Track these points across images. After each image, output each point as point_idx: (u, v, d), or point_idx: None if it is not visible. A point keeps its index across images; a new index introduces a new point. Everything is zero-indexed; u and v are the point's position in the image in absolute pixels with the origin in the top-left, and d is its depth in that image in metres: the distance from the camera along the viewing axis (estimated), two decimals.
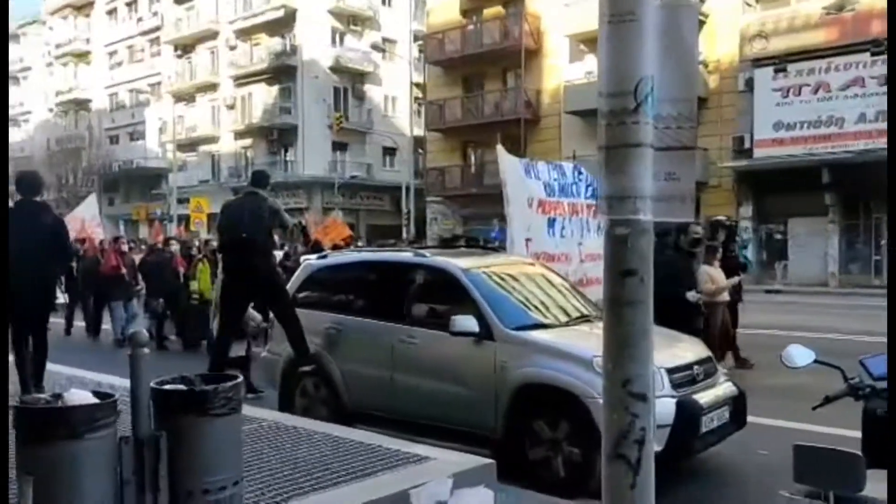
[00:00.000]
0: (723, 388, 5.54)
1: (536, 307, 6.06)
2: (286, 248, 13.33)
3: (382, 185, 40.20)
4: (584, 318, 6.00)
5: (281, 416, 5.46)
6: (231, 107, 41.53)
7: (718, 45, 26.14)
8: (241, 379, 2.80)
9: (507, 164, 8.36)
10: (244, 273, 6.41)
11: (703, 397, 5.21)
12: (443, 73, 34.29)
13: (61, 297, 14.02)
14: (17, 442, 2.45)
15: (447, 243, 10.52)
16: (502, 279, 6.21)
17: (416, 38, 39.73)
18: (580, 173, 8.94)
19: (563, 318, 5.98)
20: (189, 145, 43.20)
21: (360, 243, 19.03)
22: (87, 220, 18.42)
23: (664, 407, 4.78)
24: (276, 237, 7.11)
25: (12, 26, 55.55)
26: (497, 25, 31.63)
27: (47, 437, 2.35)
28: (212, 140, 42.89)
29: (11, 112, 56.61)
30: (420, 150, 38.48)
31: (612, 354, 2.04)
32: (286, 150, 40.29)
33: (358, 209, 39.30)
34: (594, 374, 4.66)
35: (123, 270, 12.96)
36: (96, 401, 2.46)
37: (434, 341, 5.89)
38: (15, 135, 56.91)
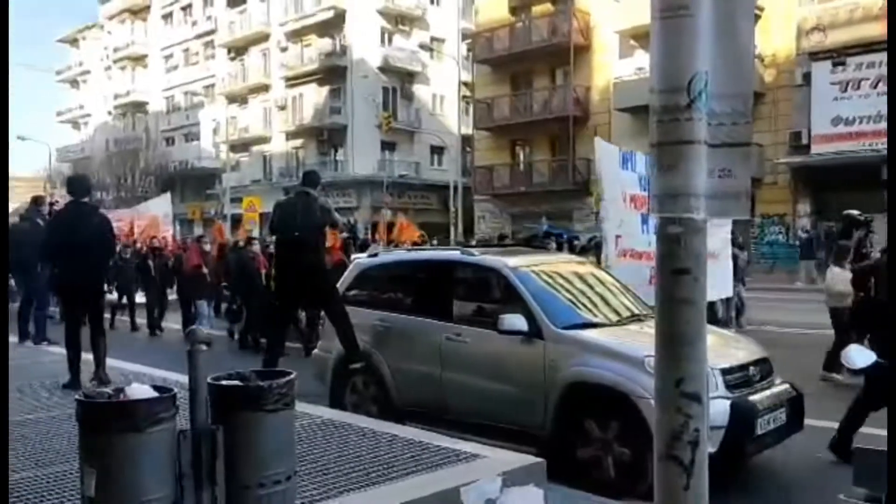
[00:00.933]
0: (779, 389, 5.42)
1: (586, 306, 6.02)
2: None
3: (430, 183, 40.30)
4: (635, 318, 5.93)
5: (333, 413, 5.53)
6: (282, 108, 42.15)
7: (774, 38, 25.50)
8: (294, 375, 2.84)
9: (605, 154, 7.98)
10: (296, 271, 6.51)
11: (759, 399, 5.11)
12: (491, 71, 34.23)
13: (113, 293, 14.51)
14: (80, 434, 2.54)
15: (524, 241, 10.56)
16: (551, 277, 6.17)
17: (464, 37, 39.73)
18: None
19: (614, 317, 5.92)
20: (242, 146, 44.00)
21: (435, 241, 19.24)
22: (160, 217, 18.81)
23: (718, 408, 4.71)
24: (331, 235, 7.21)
25: (71, 30, 57.43)
26: (546, 22, 31.42)
27: (109, 430, 2.43)
28: (264, 140, 43.61)
29: (73, 114, 58.57)
30: (468, 149, 38.49)
31: (665, 354, 2.02)
32: (336, 150, 40.73)
33: (406, 208, 39.39)
34: (646, 373, 4.60)
35: (205, 269, 13.17)
36: (156, 395, 2.53)
37: (482, 339, 5.90)
38: (75, 136, 58.79)
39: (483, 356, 5.89)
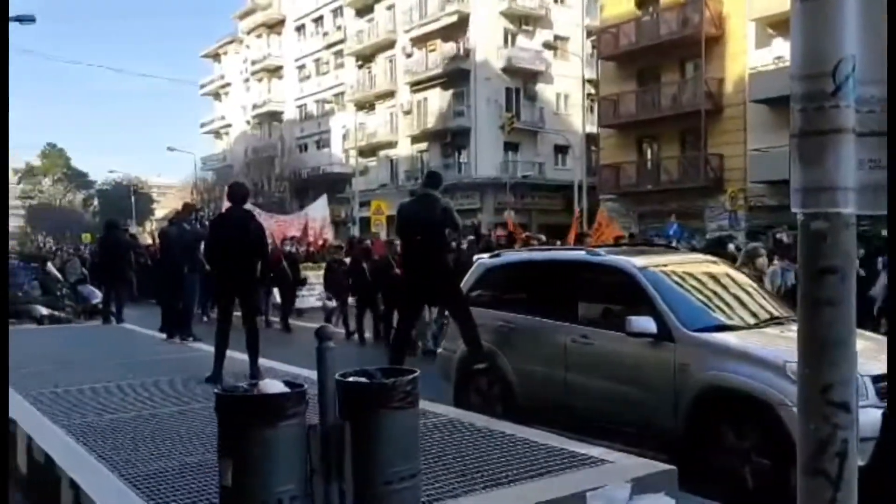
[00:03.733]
0: None
1: (720, 308, 5.75)
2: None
3: (554, 183, 39.88)
4: (774, 320, 5.61)
5: (457, 412, 5.56)
6: (408, 112, 43.03)
7: None
8: (418, 373, 2.87)
9: None
10: (420, 272, 6.60)
11: None
12: (616, 67, 33.46)
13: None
14: (219, 426, 2.67)
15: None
16: (682, 278, 5.94)
17: (588, 34, 39.07)
18: None
19: (751, 320, 5.63)
20: (369, 151, 45.28)
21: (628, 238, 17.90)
22: (320, 221, 19.30)
23: (869, 417, 4.34)
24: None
25: (213, 47, 61.09)
26: (675, 14, 30.33)
27: (244, 423, 2.54)
28: (390, 145, 44.68)
29: (215, 125, 62.34)
30: (593, 148, 37.78)
31: (810, 359, 1.88)
32: (459, 152, 41.12)
33: (529, 209, 39.26)
34: (786, 380, 4.33)
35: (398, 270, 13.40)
36: (286, 390, 2.63)
37: (609, 342, 5.76)
38: (217, 146, 62.55)
39: (609, 358, 5.75)
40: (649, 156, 33.01)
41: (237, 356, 7.43)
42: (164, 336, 10.12)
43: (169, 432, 4.94)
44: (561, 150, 41.02)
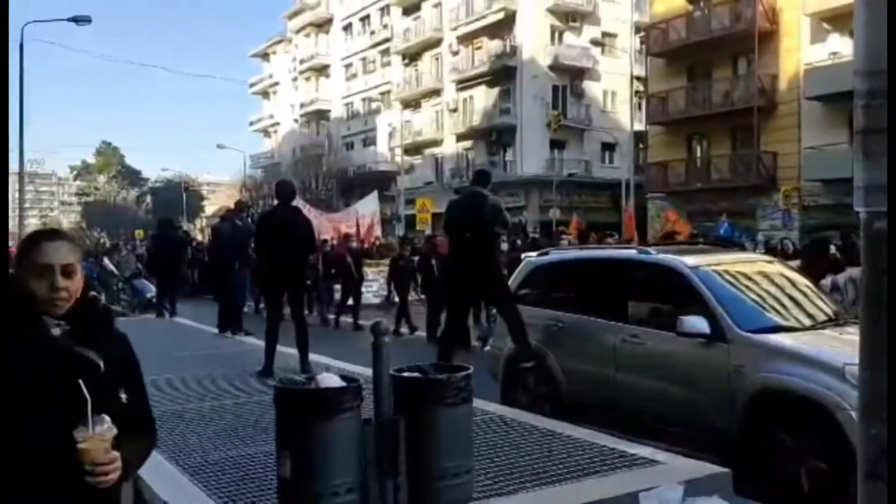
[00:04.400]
0: None
1: (775, 308, 5.64)
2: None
3: (600, 181, 39.51)
4: (832, 322, 5.48)
5: (506, 410, 5.57)
6: (453, 110, 43.08)
7: None
8: (471, 369, 2.90)
9: None
10: (468, 270, 6.63)
11: None
12: (666, 63, 32.97)
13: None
14: (276, 419, 2.74)
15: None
16: (735, 278, 5.85)
17: (637, 30, 38.59)
18: None
19: (807, 321, 5.51)
20: (415, 149, 45.46)
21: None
22: (369, 218, 19.21)
23: None
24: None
25: (262, 46, 62.05)
26: (727, 9, 29.74)
27: (302, 416, 2.60)
28: (435, 143, 44.80)
29: (263, 123, 63.33)
30: (640, 146, 37.31)
31: (871, 361, 1.84)
32: (505, 150, 41.02)
33: (575, 207, 38.93)
34: (845, 382, 4.24)
35: None
36: (343, 384, 2.68)
37: (660, 342, 5.71)
38: (266, 144, 63.54)
39: (660, 359, 5.69)
40: (699, 153, 32.45)
41: (287, 351, 7.57)
42: (216, 331, 10.35)
43: (224, 424, 5.06)
44: (608, 147, 40.60)
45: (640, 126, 36.48)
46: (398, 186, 42.56)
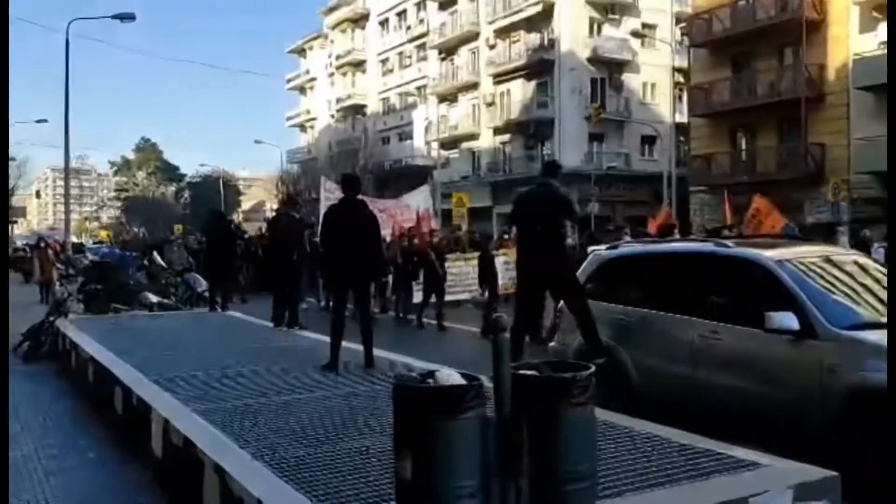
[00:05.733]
0: None
1: (867, 303, 5.39)
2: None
3: (640, 174, 38.98)
4: None
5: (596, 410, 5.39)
6: (490, 104, 42.83)
7: None
8: (594, 368, 2.75)
9: None
10: (537, 264, 6.47)
11: None
12: (708, 55, 32.37)
13: None
14: (395, 418, 2.62)
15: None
16: (821, 271, 5.61)
17: (677, 21, 37.95)
18: None
19: None
20: (451, 143, 45.31)
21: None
22: (420, 212, 18.54)
23: None
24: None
25: (298, 42, 62.32)
26: None
27: (426, 414, 2.47)
28: (472, 137, 44.59)
29: (300, 119, 63.64)
30: (681, 138, 36.69)
31: None
32: (542, 144, 40.65)
33: (614, 200, 38.50)
34: None
35: None
36: (465, 382, 2.55)
37: (741, 338, 5.50)
38: (302, 139, 63.88)
39: (742, 356, 5.49)
40: (743, 146, 31.83)
41: (350, 346, 7.48)
42: (271, 324, 10.32)
43: (302, 419, 4.97)
44: (648, 140, 40.04)
45: (680, 118, 35.91)
46: (434, 180, 42.44)
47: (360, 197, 7.25)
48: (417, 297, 14.84)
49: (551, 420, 2.58)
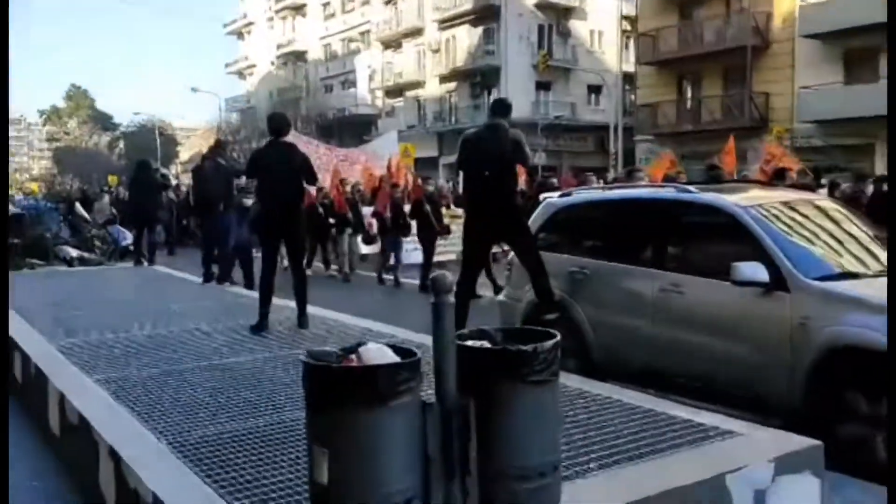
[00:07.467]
0: None
1: (838, 251, 5.02)
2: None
3: (587, 124, 38.67)
4: None
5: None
6: (436, 51, 41.69)
7: None
8: (559, 337, 2.22)
9: None
10: (486, 212, 5.91)
11: None
12: (656, 1, 31.85)
13: None
14: (308, 407, 2.05)
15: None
16: (790, 218, 5.20)
17: None
18: None
19: (875, 266, 4.89)
20: (396, 91, 44.15)
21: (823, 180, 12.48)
22: (393, 158, 17.12)
23: None
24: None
25: None
26: None
27: (348, 402, 1.91)
28: (417, 85, 43.47)
29: (239, 66, 61.24)
30: (627, 87, 36.34)
31: None
32: (489, 93, 39.83)
33: (560, 151, 38.16)
34: None
35: None
36: (397, 359, 1.99)
37: (705, 291, 5.08)
38: (241, 87, 61.56)
39: (706, 311, 5.08)
40: (690, 95, 31.64)
41: (281, 303, 6.89)
42: (200, 280, 9.60)
43: (219, 389, 4.38)
44: (594, 89, 39.65)
45: (627, 67, 35.49)
46: (379, 130, 41.36)
47: (288, 140, 6.54)
48: (410, 257, 13.21)
49: (506, 403, 2.04)
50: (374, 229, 13.48)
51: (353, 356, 2.03)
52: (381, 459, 1.91)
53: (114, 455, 3.38)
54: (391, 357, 2.00)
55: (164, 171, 21.72)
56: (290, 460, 3.16)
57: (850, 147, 24.42)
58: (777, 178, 8.58)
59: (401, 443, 1.94)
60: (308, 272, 13.30)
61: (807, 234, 5.16)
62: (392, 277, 12.86)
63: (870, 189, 9.59)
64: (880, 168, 22.20)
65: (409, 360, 1.99)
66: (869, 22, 23.21)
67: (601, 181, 12.93)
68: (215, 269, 9.63)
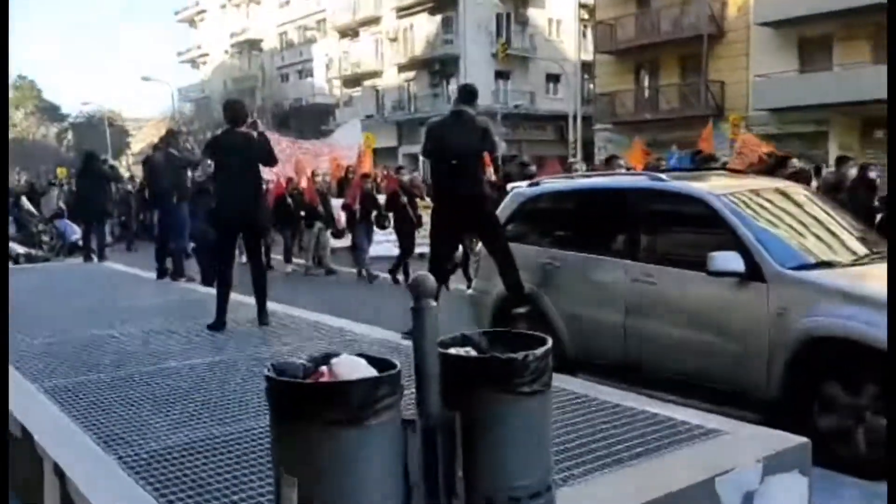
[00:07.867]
0: None
1: (814, 240, 4.94)
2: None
3: (546, 114, 38.69)
4: (876, 255, 4.80)
5: None
6: (394, 39, 41.24)
7: None
8: (550, 343, 2.03)
9: None
10: (453, 202, 5.71)
11: None
12: None
13: None
14: (273, 427, 1.82)
15: None
16: (764, 207, 5.11)
17: None
18: None
19: (849, 256, 4.82)
20: (354, 81, 43.60)
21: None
22: (356, 150, 16.59)
23: None
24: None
25: None
26: None
27: (316, 422, 1.69)
28: (375, 75, 42.98)
29: (192, 54, 59.87)
30: (586, 76, 36.42)
31: None
32: (448, 82, 39.57)
33: (519, 140, 38.10)
34: None
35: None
36: (374, 372, 1.77)
37: (679, 282, 4.96)
38: (194, 76, 60.23)
39: (680, 302, 4.96)
40: (647, 83, 31.82)
41: (241, 299, 6.61)
42: (153, 276, 9.22)
43: (173, 396, 4.10)
44: (553, 78, 39.67)
45: (586, 56, 35.56)
46: (337, 120, 40.83)
47: (244, 130, 6.22)
48: (379, 249, 12.70)
49: (495, 417, 1.85)
50: (343, 223, 13.14)
51: (324, 369, 1.82)
52: (357, 486, 1.70)
53: (58, 472, 3.11)
54: (367, 370, 1.79)
55: (112, 162, 21.01)
56: (253, 474, 2.93)
57: (805, 135, 24.80)
58: (779, 165, 8.36)
59: (379, 466, 1.73)
60: (287, 269, 13.06)
61: (782, 222, 5.08)
62: (366, 272, 12.30)
63: (852, 172, 9.44)
64: (834, 155, 22.58)
65: (387, 373, 1.78)
66: (823, 10, 23.58)
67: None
68: (169, 264, 9.27)
